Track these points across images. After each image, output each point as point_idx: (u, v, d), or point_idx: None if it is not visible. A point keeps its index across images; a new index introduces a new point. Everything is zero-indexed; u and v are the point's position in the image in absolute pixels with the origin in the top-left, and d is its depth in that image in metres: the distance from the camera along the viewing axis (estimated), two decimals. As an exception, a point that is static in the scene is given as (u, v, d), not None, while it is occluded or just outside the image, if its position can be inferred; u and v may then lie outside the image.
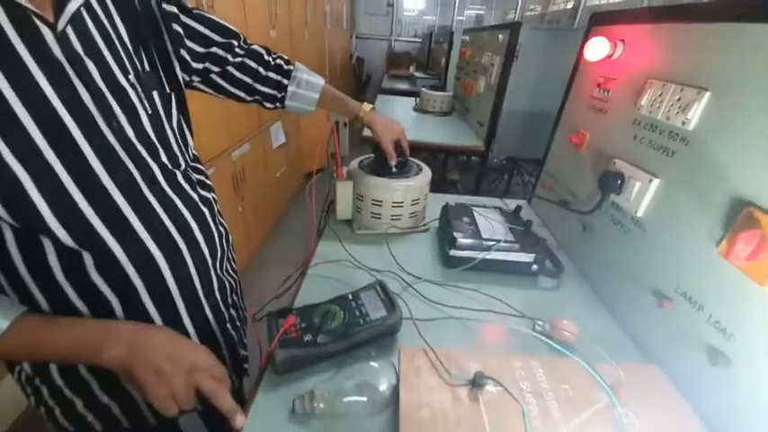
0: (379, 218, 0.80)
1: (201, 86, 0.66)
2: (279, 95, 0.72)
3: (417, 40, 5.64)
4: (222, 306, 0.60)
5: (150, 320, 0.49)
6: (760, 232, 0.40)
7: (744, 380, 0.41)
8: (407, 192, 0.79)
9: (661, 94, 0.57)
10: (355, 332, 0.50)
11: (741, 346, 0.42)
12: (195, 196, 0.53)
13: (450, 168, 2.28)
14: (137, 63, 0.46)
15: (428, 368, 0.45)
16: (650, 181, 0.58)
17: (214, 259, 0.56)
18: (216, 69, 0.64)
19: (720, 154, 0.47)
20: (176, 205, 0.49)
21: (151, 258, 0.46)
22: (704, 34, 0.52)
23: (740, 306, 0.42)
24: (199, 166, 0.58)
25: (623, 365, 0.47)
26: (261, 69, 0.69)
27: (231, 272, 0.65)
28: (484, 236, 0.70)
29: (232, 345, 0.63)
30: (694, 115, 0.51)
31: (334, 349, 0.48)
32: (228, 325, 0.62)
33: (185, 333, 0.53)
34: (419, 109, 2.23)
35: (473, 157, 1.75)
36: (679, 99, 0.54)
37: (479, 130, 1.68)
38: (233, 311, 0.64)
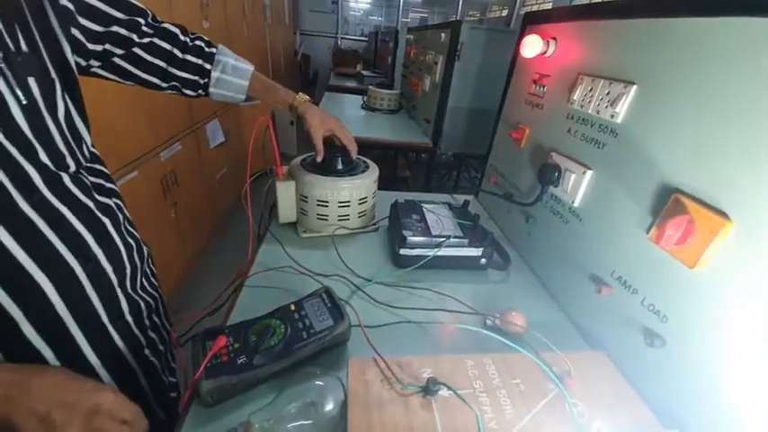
0: (326, 219, 0.75)
1: (103, 72, 0.56)
2: (201, 82, 0.64)
3: (364, 39, 5.62)
4: (137, 330, 0.51)
5: (38, 358, 0.39)
6: (687, 217, 0.42)
7: (679, 359, 0.43)
8: (354, 190, 0.75)
9: (591, 89, 0.59)
10: (298, 348, 0.45)
11: (674, 327, 0.44)
12: (90, 203, 0.44)
13: (400, 165, 2.29)
14: (8, 42, 0.37)
15: (379, 380, 0.41)
16: (584, 173, 0.60)
17: (121, 277, 0.47)
18: (119, 52, 0.55)
19: (648, 144, 0.49)
20: (63, 215, 0.40)
21: (30, 282, 0.37)
22: (627, 30, 0.54)
23: (671, 289, 0.45)
24: (97, 166, 0.48)
25: (570, 355, 0.48)
26: (177, 52, 0.60)
27: (149, 289, 0.56)
28: (433, 233, 0.69)
29: (152, 373, 0.54)
30: (622, 108, 0.53)
31: (273, 370, 0.43)
32: (147, 351, 0.53)
33: (87, 367, 0.44)
34: (367, 107, 2.20)
35: (423, 154, 1.76)
36: (608, 93, 0.56)
37: (426, 127, 1.69)
38: (152, 334, 0.55)
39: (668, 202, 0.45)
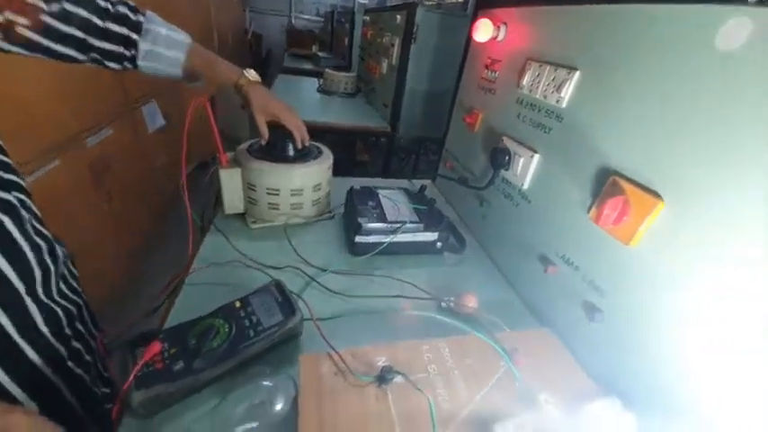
0: (277, 208, 0.71)
1: (5, 44, 0.47)
2: (128, 54, 0.56)
3: (320, 18, 5.38)
4: (55, 341, 0.45)
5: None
6: (623, 198, 0.44)
7: (617, 331, 0.46)
8: (307, 178, 0.71)
9: (539, 75, 0.60)
10: (244, 347, 0.42)
11: (612, 301, 0.47)
12: None
13: (358, 149, 2.25)
14: None
15: (332, 373, 0.40)
16: (532, 156, 0.61)
17: (30, 284, 0.41)
18: (24, 22, 0.46)
19: (589, 128, 0.51)
20: None
21: None
22: (571, 16, 0.55)
23: (609, 264, 0.47)
24: None
25: (518, 333, 0.50)
26: (95, 19, 0.52)
27: (70, 294, 0.49)
28: (389, 218, 0.68)
29: (80, 386, 0.49)
30: (566, 93, 0.55)
31: (215, 374, 0.40)
32: (70, 363, 0.47)
33: None
34: (323, 90, 2.11)
35: (381, 139, 1.73)
36: (554, 79, 0.57)
37: (385, 111, 1.67)
38: (76, 344, 0.49)
39: (606, 184, 0.48)
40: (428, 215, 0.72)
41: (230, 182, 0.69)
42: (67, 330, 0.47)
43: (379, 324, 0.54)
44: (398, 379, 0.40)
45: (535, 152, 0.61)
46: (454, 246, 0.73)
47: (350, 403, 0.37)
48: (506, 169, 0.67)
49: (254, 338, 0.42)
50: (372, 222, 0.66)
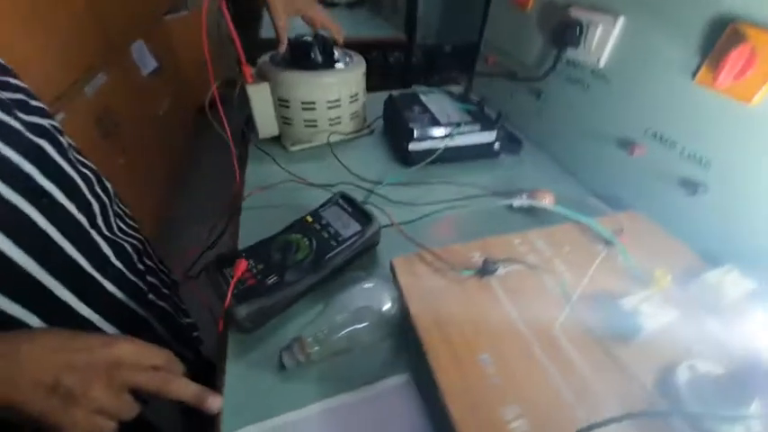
0: (315, 125, 0.65)
1: None
2: None
3: None
4: (132, 275, 0.44)
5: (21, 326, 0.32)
6: (749, 46, 0.37)
7: (722, 202, 0.42)
8: (343, 86, 0.64)
9: None
10: (330, 258, 0.40)
11: (718, 170, 0.42)
12: (11, 120, 0.32)
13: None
14: None
15: (429, 272, 0.38)
16: (614, 21, 0.52)
17: (91, 217, 0.38)
18: None
19: (703, -37, 0.41)
20: None
21: None
22: None
23: (718, 131, 0.42)
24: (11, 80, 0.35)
25: (608, 218, 0.46)
26: None
27: (130, 230, 0.47)
28: (442, 122, 0.61)
29: (165, 316, 0.49)
30: (667, -77, 0.43)
31: (309, 284, 0.38)
32: (152, 296, 0.47)
33: (87, 325, 0.37)
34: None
35: (395, 54, 1.55)
36: None
37: (395, 18, 1.47)
38: (151, 278, 0.48)
39: (723, 35, 0.39)
40: (480, 115, 0.65)
41: (260, 100, 0.62)
42: (140, 266, 0.46)
43: (455, 227, 0.51)
44: (500, 271, 0.38)
45: (618, 15, 0.51)
46: (511, 146, 0.67)
47: (456, 297, 0.36)
48: (576, 46, 0.58)
49: (338, 248, 0.40)
50: (425, 127, 0.60)
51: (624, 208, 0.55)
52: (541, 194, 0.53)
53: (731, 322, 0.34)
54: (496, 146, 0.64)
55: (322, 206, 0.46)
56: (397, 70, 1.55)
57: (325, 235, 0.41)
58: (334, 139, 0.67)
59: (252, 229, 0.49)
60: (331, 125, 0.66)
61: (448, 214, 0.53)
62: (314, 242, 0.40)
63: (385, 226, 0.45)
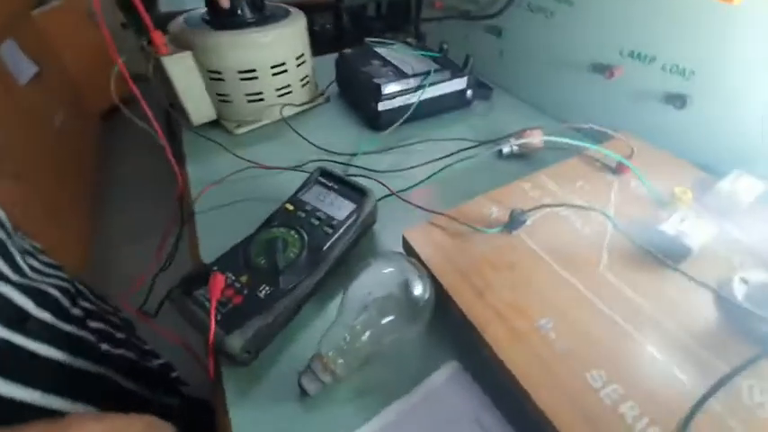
0: (261, 98, 0.54)
1: None
2: None
3: None
4: (68, 324, 0.33)
5: None
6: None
7: (711, 109, 0.41)
8: (286, 45, 0.53)
9: None
10: (329, 248, 0.32)
11: (702, 79, 0.41)
12: None
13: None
14: None
15: (449, 238, 0.32)
16: (577, -69, 0.47)
17: None
18: None
19: None
20: None
21: None
22: None
23: (700, 38, 0.40)
24: None
25: (612, 143, 0.44)
26: None
27: (49, 269, 0.35)
28: (408, 73, 0.54)
29: (130, 366, 0.39)
30: None
31: (310, 286, 0.31)
32: (105, 345, 0.36)
33: (25, 411, 0.26)
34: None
35: (317, 25, 1.40)
36: None
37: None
38: (96, 324, 0.37)
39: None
40: (446, 61, 0.58)
41: (183, 75, 0.49)
42: (75, 311, 0.35)
43: (450, 187, 0.45)
44: (529, 222, 0.33)
45: None
46: (482, 92, 0.62)
47: (490, 260, 0.31)
48: (536, -33, 0.53)
49: (334, 234, 0.33)
50: (392, 82, 0.52)
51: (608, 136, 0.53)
52: (529, 134, 0.49)
53: (757, 226, 0.33)
54: (469, 93, 0.59)
55: (301, 189, 0.37)
56: (325, 37, 1.41)
57: (315, 222, 0.34)
58: (289, 111, 0.56)
59: (215, 236, 0.39)
60: (280, 96, 0.55)
61: (439, 174, 0.47)
62: (304, 234, 0.32)
63: (381, 198, 0.39)
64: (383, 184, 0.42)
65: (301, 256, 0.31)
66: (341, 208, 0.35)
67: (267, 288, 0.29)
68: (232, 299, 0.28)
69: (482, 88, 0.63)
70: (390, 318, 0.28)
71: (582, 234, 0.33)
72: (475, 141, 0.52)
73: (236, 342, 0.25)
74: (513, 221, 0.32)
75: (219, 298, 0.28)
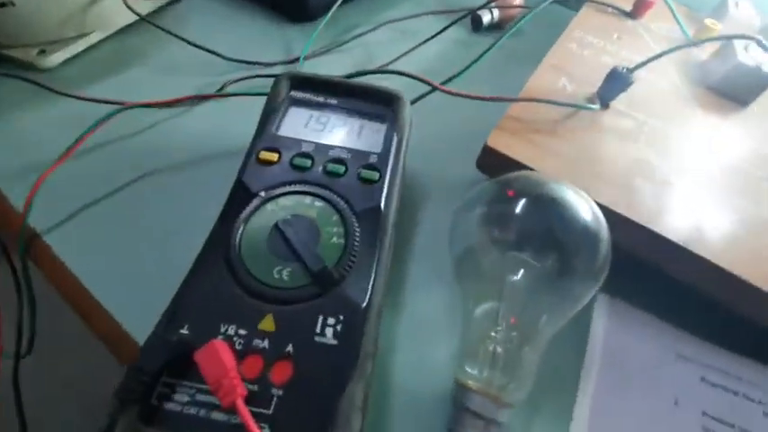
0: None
1: None
2: None
3: None
4: None
5: None
6: None
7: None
8: None
9: None
10: (387, 203, 0.17)
11: None
12: None
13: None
14: None
15: (547, 136, 0.21)
16: None
17: None
18: None
19: None
20: None
21: None
22: None
23: None
24: None
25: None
26: None
27: None
28: None
29: None
30: None
31: (386, 275, 0.17)
32: None
33: None
34: None
35: None
36: None
37: None
38: None
39: None
40: None
41: None
42: None
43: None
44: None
45: None
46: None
47: (616, 153, 0.21)
48: None
49: (384, 177, 0.18)
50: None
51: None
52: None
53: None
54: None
55: (268, 120, 0.19)
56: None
57: (338, 168, 0.18)
58: (147, 8, 0.31)
59: (110, 261, 0.19)
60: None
61: (415, 66, 0.33)
62: (334, 195, 0.17)
63: (417, 99, 0.24)
64: (411, 76, 0.25)
65: (352, 234, 0.16)
66: (362, 132, 0.20)
67: (328, 322, 0.14)
68: (266, 376, 0.12)
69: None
70: (551, 282, 0.17)
71: (661, 88, 0.26)
72: (443, 15, 0.38)
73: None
74: (614, 85, 0.22)
75: (245, 395, 0.12)
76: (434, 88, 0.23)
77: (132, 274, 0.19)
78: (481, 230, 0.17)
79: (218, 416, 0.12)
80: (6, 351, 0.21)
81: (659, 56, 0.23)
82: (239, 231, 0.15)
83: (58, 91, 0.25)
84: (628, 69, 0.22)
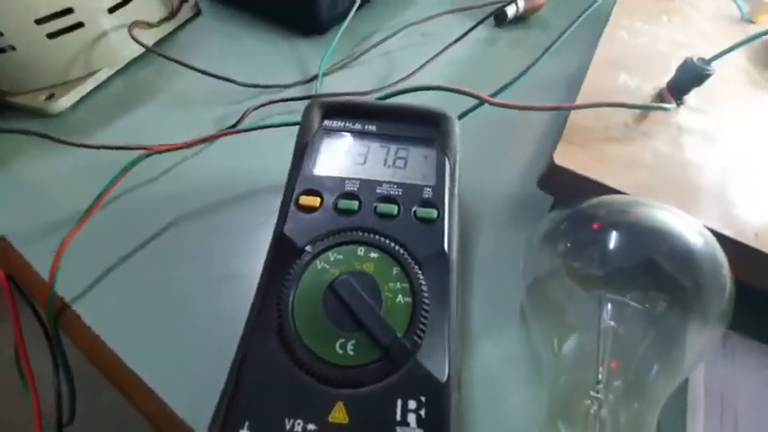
0: (79, 21, 0.26)
1: None
2: None
3: None
4: None
5: None
6: None
7: None
8: None
9: None
10: (450, 242, 0.15)
11: None
12: None
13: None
14: None
15: (617, 145, 0.19)
16: None
17: None
18: None
19: None
20: None
21: None
22: None
23: None
24: None
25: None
26: None
27: None
28: None
29: None
30: None
31: (459, 331, 0.14)
32: None
33: None
34: None
35: None
36: None
37: None
38: None
39: None
40: None
41: None
42: None
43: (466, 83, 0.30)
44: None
45: None
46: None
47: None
48: None
49: (443, 213, 0.15)
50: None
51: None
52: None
53: None
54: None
55: (301, 160, 0.17)
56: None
57: (390, 207, 0.15)
58: (151, 37, 0.30)
59: (140, 339, 0.18)
60: (112, 12, 0.28)
61: (439, 71, 0.31)
62: (391, 242, 0.14)
63: (464, 115, 0.21)
64: (455, 90, 0.23)
65: (418, 289, 0.13)
66: (409, 160, 0.17)
67: (408, 406, 0.11)
68: None
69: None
70: (665, 328, 0.14)
71: (729, 75, 0.23)
72: (462, 13, 0.36)
73: None
74: (689, 79, 0.19)
75: None
76: (483, 101, 0.20)
77: (170, 343, 0.17)
78: (569, 271, 0.14)
79: None
80: (47, 421, 0.19)
81: (743, 43, 0.19)
82: (290, 298, 0.13)
83: (70, 142, 0.23)
84: (703, 60, 0.19)
